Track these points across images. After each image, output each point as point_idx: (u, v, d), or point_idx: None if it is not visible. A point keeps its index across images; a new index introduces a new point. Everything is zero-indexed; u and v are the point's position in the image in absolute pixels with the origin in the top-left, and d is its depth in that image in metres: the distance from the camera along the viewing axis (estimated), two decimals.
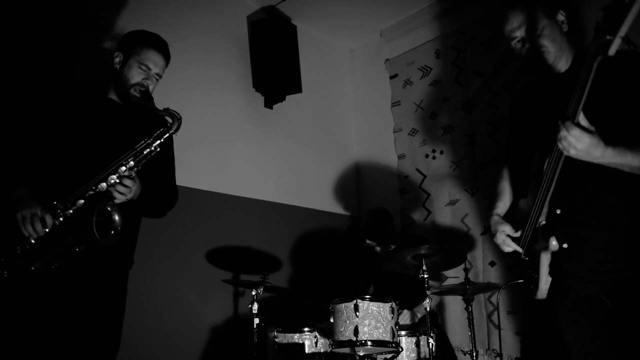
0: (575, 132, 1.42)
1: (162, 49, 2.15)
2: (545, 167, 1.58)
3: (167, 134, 2.03)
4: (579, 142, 1.43)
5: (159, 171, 2.21)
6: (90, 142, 2.05)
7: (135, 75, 2.08)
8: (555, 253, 1.64)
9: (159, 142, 2.02)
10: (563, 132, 1.44)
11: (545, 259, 1.65)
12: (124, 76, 2.08)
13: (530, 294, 1.75)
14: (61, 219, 1.87)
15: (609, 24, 1.25)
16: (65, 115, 2.05)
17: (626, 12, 1.23)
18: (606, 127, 1.49)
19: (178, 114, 2.05)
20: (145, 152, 1.99)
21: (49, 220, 1.83)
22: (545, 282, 1.66)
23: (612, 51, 1.28)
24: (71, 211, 1.89)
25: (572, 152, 1.47)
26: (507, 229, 1.83)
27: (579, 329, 1.65)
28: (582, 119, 1.45)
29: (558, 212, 1.64)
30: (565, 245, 1.62)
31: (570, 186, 1.62)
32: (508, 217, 2.00)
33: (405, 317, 2.98)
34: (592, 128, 1.45)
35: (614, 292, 1.56)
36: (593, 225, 1.61)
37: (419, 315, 3.02)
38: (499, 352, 3.13)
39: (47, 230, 1.83)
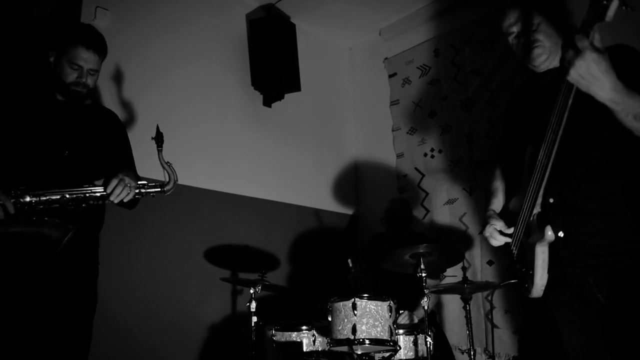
0: (587, 49, 1.27)
1: (90, 43, 2.07)
2: (540, 155, 1.56)
3: (159, 192, 2.10)
4: (587, 59, 1.28)
5: (125, 157, 2.24)
6: (39, 145, 2.04)
7: (69, 75, 2.06)
8: (552, 244, 1.62)
9: (149, 191, 2.09)
10: (570, 54, 1.31)
11: (540, 252, 1.62)
12: (58, 76, 2.08)
13: (526, 293, 1.73)
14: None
15: None
16: (16, 120, 2.04)
17: None
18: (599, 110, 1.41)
19: (176, 176, 2.10)
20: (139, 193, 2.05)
21: (9, 207, 1.80)
22: (540, 277, 1.62)
23: (609, 15, 1.23)
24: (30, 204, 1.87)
25: (583, 69, 1.30)
26: (499, 224, 1.82)
27: (574, 327, 1.64)
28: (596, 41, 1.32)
29: (551, 201, 1.63)
30: (561, 234, 1.60)
31: (562, 173, 1.61)
32: (501, 216, 1.99)
33: (404, 318, 2.97)
34: (605, 53, 1.32)
35: (609, 281, 1.54)
36: (587, 210, 1.60)
37: (417, 320, 2.99)
38: (496, 351, 3.12)
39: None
